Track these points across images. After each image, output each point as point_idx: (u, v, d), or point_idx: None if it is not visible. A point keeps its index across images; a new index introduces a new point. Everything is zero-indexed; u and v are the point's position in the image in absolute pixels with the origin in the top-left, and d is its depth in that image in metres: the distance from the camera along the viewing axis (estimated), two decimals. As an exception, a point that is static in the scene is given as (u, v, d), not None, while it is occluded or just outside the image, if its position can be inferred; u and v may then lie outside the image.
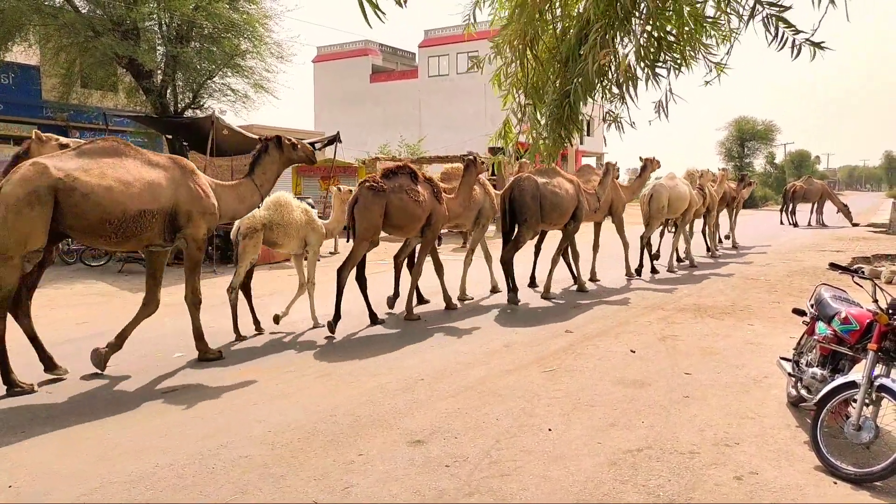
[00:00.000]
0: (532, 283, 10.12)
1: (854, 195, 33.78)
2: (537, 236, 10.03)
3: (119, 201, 5.24)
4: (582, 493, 3.56)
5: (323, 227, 7.56)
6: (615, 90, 4.02)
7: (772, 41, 3.55)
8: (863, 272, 4.46)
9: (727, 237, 16.79)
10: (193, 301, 5.98)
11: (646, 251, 11.83)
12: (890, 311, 3.99)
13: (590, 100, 4.13)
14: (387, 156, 24.65)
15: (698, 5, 3.70)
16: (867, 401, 3.82)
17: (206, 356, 6.10)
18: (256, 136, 13.46)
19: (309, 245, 7.43)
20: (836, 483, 3.71)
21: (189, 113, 15.98)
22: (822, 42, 3.51)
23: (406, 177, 7.55)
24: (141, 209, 5.37)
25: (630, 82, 3.86)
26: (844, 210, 23.61)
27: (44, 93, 17.50)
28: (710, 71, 4.12)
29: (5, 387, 5.15)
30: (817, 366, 4.55)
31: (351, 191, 7.75)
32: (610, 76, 3.62)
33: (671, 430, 4.41)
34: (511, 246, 8.90)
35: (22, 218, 4.90)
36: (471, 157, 8.62)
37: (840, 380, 4.03)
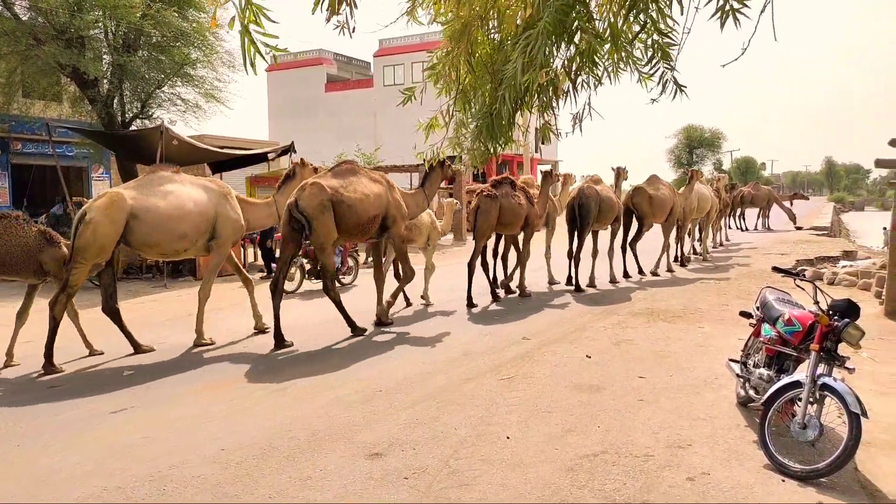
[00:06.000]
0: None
1: (797, 200, 34.72)
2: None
3: (365, 208, 7.27)
4: (541, 500, 3.59)
5: (440, 227, 9.67)
6: (541, 100, 4.06)
7: (645, 65, 3.68)
8: (804, 275, 4.63)
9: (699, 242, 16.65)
10: (409, 278, 8.03)
11: (684, 243, 14.00)
12: (830, 313, 4.15)
13: (524, 111, 4.19)
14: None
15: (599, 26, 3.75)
16: (811, 400, 3.96)
17: (383, 321, 7.92)
18: (207, 147, 13.21)
19: (430, 240, 9.60)
20: (783, 481, 3.83)
21: (138, 123, 15.53)
22: (684, 86, 3.70)
23: (508, 186, 9.56)
24: (375, 214, 7.41)
25: (555, 95, 3.94)
26: (790, 213, 24.79)
27: (-17, 103, 16.80)
28: (640, 81, 4.16)
29: (275, 341, 6.89)
30: (764, 367, 4.69)
31: (458, 202, 10.59)
32: (537, 86, 3.65)
33: (626, 434, 4.49)
34: (579, 246, 10.71)
35: (321, 221, 6.94)
36: (548, 169, 10.40)
37: (785, 380, 4.17)
